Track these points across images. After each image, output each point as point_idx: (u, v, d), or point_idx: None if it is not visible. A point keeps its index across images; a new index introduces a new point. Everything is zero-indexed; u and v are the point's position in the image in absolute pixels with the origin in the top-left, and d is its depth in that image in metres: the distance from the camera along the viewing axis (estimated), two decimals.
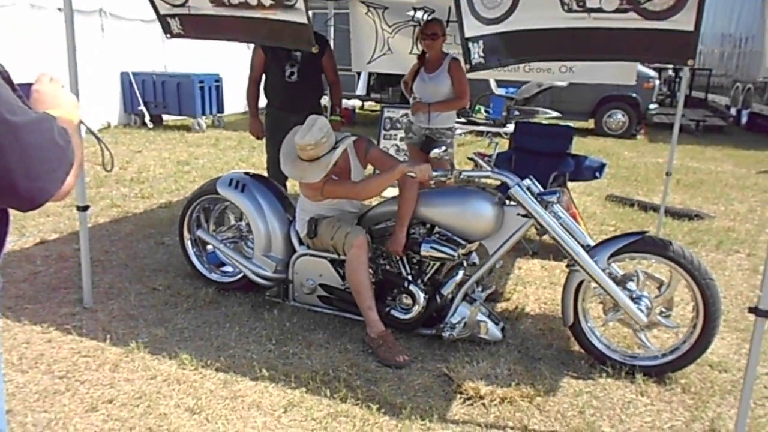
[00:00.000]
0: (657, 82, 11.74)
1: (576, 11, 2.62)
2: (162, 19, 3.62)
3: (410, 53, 4.88)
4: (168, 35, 3.67)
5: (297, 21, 3.14)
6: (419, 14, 5.39)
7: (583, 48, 2.72)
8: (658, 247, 2.87)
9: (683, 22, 2.51)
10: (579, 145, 7.74)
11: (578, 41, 2.68)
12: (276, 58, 4.31)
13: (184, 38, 3.62)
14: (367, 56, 5.84)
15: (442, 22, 4.58)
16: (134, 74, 10.24)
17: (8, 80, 1.04)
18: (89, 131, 1.43)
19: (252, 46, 4.44)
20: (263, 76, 4.47)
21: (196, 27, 3.53)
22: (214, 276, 3.84)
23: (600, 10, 2.58)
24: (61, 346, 3.05)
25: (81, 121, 1.25)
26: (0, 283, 1.19)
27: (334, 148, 3.11)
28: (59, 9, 8.70)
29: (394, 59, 5.74)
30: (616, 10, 2.55)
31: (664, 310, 2.97)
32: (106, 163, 1.51)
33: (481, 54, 2.70)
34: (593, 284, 2.96)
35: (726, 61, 15.59)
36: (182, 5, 3.47)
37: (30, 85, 1.20)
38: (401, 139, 6.71)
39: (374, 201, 3.59)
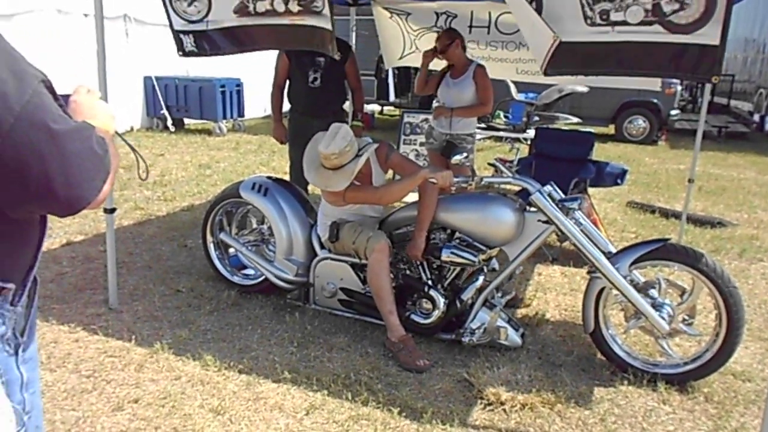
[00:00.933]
0: (678, 87, 11.63)
1: (599, 25, 2.61)
2: (175, 35, 3.64)
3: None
4: (180, 53, 3.69)
5: (322, 26, 3.22)
6: (442, 20, 5.42)
7: (606, 63, 2.71)
8: (681, 255, 2.86)
9: (709, 36, 2.48)
10: (599, 151, 7.71)
11: (602, 56, 2.67)
12: (300, 64, 4.36)
13: (198, 56, 3.63)
14: (397, 53, 5.89)
15: (449, 30, 4.63)
16: (157, 78, 10.39)
17: (50, 89, 1.07)
18: (124, 141, 1.48)
19: (277, 51, 4.49)
20: (287, 82, 4.52)
21: (210, 44, 3.55)
22: (236, 279, 3.89)
23: (624, 23, 2.57)
24: (88, 346, 3.11)
25: (116, 132, 1.28)
26: (37, 283, 1.23)
27: (358, 155, 3.14)
28: (85, 14, 8.89)
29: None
30: (641, 23, 2.54)
31: (686, 317, 2.96)
32: (142, 173, 1.56)
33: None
34: (614, 291, 2.95)
35: (749, 67, 15.39)
36: (200, 21, 3.50)
37: (68, 96, 1.23)
38: (421, 144, 6.73)
39: (395, 205, 3.62)
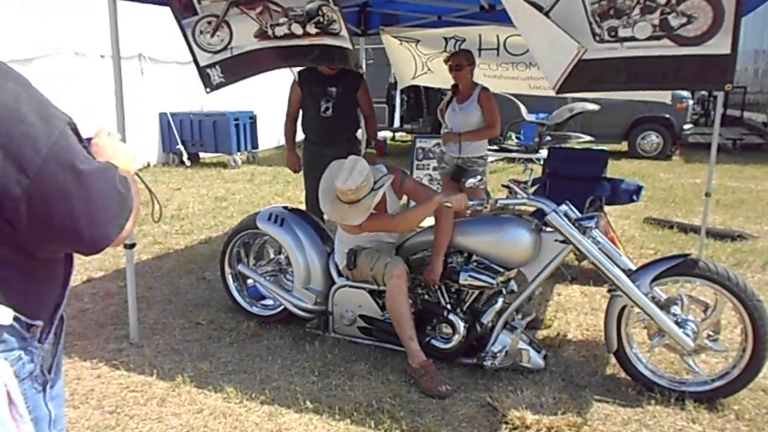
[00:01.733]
0: (690, 102, 11.60)
1: (608, 41, 2.63)
2: (202, 71, 3.73)
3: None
4: (208, 89, 3.77)
5: (343, 46, 3.40)
6: (451, 45, 5.48)
7: (617, 79, 2.72)
8: (702, 270, 2.83)
9: (719, 46, 2.50)
10: (613, 168, 7.67)
11: (612, 72, 2.69)
12: (311, 94, 4.43)
13: (225, 86, 3.72)
14: (410, 73, 5.98)
15: (468, 52, 4.65)
16: (172, 114, 10.57)
17: (75, 131, 1.11)
18: (142, 181, 1.52)
19: (289, 82, 4.57)
20: (300, 112, 4.58)
21: (236, 70, 3.68)
22: (255, 309, 3.90)
23: (633, 38, 2.60)
24: (110, 382, 3.12)
25: (136, 173, 1.32)
26: (63, 320, 1.25)
27: (374, 189, 3.12)
28: (101, 56, 9.10)
29: (435, 76, 5.87)
30: (650, 38, 2.56)
31: (711, 333, 2.91)
32: (155, 214, 1.60)
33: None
34: (636, 309, 2.92)
35: (761, 78, 15.32)
36: (224, 49, 3.62)
37: (89, 139, 1.27)
38: (434, 169, 6.76)
39: (411, 231, 3.63)
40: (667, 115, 11.13)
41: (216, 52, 3.65)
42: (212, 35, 3.61)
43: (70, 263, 1.23)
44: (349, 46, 3.41)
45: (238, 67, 3.68)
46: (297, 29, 3.47)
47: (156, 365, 3.28)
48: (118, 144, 1.30)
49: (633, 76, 2.69)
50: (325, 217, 4.53)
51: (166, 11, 3.63)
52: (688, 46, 2.54)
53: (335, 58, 3.56)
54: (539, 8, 2.74)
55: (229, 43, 3.61)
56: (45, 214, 1.02)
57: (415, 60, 5.85)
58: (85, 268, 4.87)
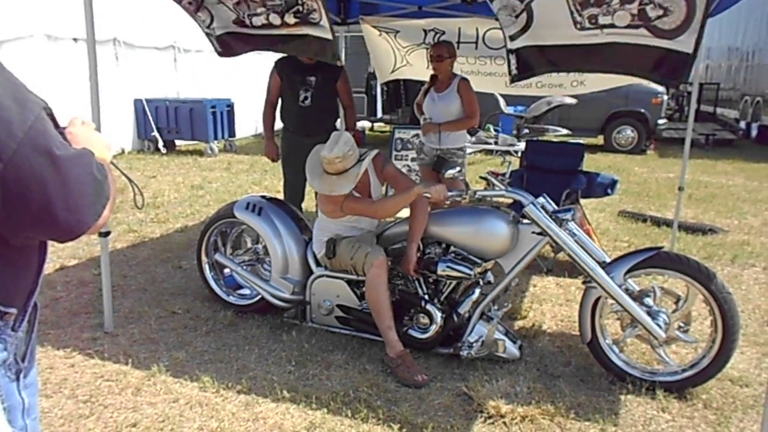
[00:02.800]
0: (665, 97, 11.78)
1: (589, 29, 2.68)
2: (207, 36, 3.84)
3: (427, 68, 4.98)
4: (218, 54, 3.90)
5: (322, 36, 3.38)
6: (430, 37, 5.47)
7: (595, 61, 2.79)
8: (674, 262, 2.88)
9: (684, 43, 2.57)
10: (589, 162, 7.77)
11: (591, 56, 2.75)
12: (290, 83, 4.39)
13: (225, 56, 3.79)
14: (389, 67, 5.96)
15: (450, 44, 4.65)
16: (147, 101, 10.42)
17: (51, 116, 1.09)
18: (120, 171, 1.50)
19: (268, 70, 4.53)
20: (279, 100, 4.55)
21: (226, 45, 3.70)
22: (232, 299, 3.88)
23: (612, 26, 2.65)
24: (84, 371, 3.08)
25: (112, 162, 1.30)
26: (37, 308, 1.23)
27: (360, 160, 3.18)
28: (74, 39, 8.92)
29: (414, 69, 5.86)
30: (628, 26, 2.62)
31: (682, 325, 2.97)
32: (138, 201, 1.58)
33: (516, 66, 2.83)
34: (610, 301, 2.97)
35: (734, 75, 15.60)
36: (209, 27, 3.65)
37: (63, 128, 1.24)
38: (412, 160, 6.77)
39: (389, 220, 3.63)
40: (643, 110, 11.29)
41: (206, 27, 3.66)
42: (196, 11, 3.61)
43: (44, 250, 1.21)
44: (328, 36, 3.40)
45: (226, 45, 3.68)
46: (275, 19, 3.44)
47: (131, 354, 3.25)
48: (92, 133, 1.28)
49: (609, 61, 2.77)
50: (303, 206, 4.54)
51: None
52: (662, 38, 2.60)
53: (312, 50, 3.55)
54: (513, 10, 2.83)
55: (210, 23, 3.60)
56: (20, 200, 1.00)
57: (394, 53, 5.84)
58: (58, 256, 4.80)
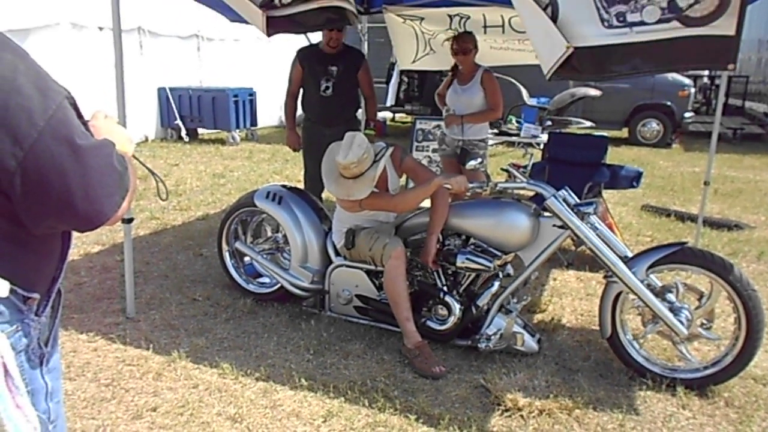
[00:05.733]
0: (692, 90, 11.55)
1: (617, 27, 2.61)
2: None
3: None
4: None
5: (348, 8, 3.59)
6: (456, 22, 5.41)
7: (627, 63, 2.71)
8: (698, 258, 2.84)
9: (724, 27, 2.50)
10: (613, 155, 7.66)
11: (618, 58, 2.67)
12: (312, 73, 4.39)
13: (271, 35, 3.64)
14: (410, 56, 5.90)
15: (473, 36, 4.61)
16: (171, 89, 10.50)
17: (74, 105, 1.09)
18: (142, 164, 1.51)
19: (290, 59, 4.52)
20: (301, 90, 4.55)
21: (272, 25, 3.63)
22: (251, 287, 3.91)
23: (642, 23, 2.57)
24: (107, 355, 3.14)
25: (134, 155, 1.30)
26: (61, 294, 1.25)
27: (375, 161, 3.13)
28: (100, 28, 9.01)
29: (438, 57, 5.78)
30: (659, 21, 2.55)
31: (704, 321, 2.93)
32: (162, 193, 1.59)
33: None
34: (631, 296, 2.93)
35: (764, 68, 15.23)
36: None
37: (86, 121, 1.25)
38: (434, 151, 6.74)
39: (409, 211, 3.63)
40: (669, 103, 11.10)
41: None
42: None
43: (68, 237, 1.22)
44: (353, 8, 3.58)
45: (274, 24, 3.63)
46: None
47: (152, 340, 3.29)
48: (115, 126, 1.29)
49: (641, 61, 2.68)
50: (323, 195, 4.55)
51: None
52: (695, 26, 2.53)
53: (341, 19, 3.65)
54: (537, 2, 2.74)
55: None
56: (40, 189, 1.01)
57: (418, 39, 5.78)
58: (82, 242, 4.87)
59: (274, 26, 3.56)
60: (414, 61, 5.97)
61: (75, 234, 1.21)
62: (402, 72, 11.72)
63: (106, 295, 3.90)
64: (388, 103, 11.95)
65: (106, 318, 3.56)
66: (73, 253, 4.62)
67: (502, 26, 5.37)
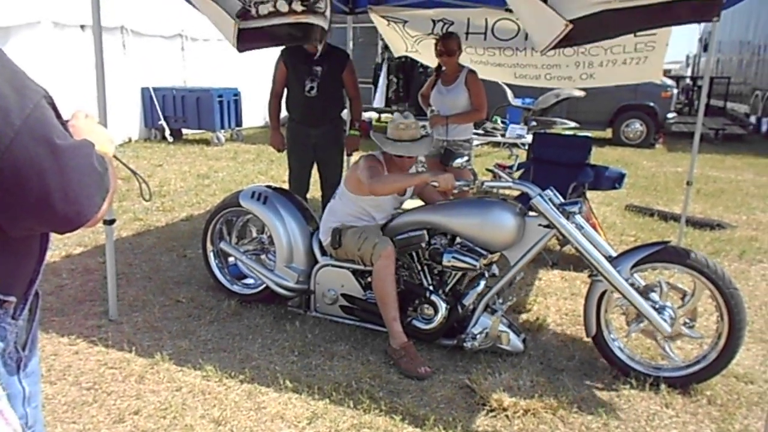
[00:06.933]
0: (675, 91, 11.67)
1: None
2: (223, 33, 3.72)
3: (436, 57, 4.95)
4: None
5: (321, 25, 3.49)
6: (438, 27, 5.42)
7: (613, 27, 2.76)
8: (681, 257, 2.86)
9: None
10: (597, 155, 7.70)
11: (609, 22, 2.72)
12: (296, 73, 4.37)
13: (242, 51, 3.66)
14: (401, 49, 5.93)
15: (458, 38, 4.62)
16: (155, 89, 10.41)
17: (52, 105, 1.07)
18: (124, 165, 1.49)
19: (274, 59, 4.50)
20: (285, 90, 4.52)
21: (244, 40, 3.60)
22: (236, 288, 3.89)
23: None
24: (88, 358, 3.10)
25: (115, 156, 1.28)
26: (39, 296, 1.22)
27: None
28: (82, 27, 8.91)
29: (423, 57, 5.85)
30: None
31: (687, 320, 2.95)
32: (145, 194, 1.57)
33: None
34: (616, 295, 2.95)
35: (745, 69, 15.46)
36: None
37: (66, 121, 1.23)
38: None
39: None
40: (652, 104, 11.20)
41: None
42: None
43: (47, 238, 1.20)
44: (326, 26, 3.49)
45: (247, 38, 3.61)
46: (282, 6, 3.42)
47: (135, 342, 3.25)
48: (95, 126, 1.26)
49: (628, 23, 2.74)
50: (308, 195, 4.52)
51: None
52: None
53: (305, 37, 3.61)
54: None
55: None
56: (17, 189, 0.98)
57: (404, 41, 5.80)
58: (63, 243, 4.81)
59: (245, 40, 3.56)
60: (407, 51, 5.99)
61: (56, 236, 1.18)
62: (389, 73, 11.73)
63: (87, 297, 3.85)
64: (377, 105, 11.95)
65: (87, 320, 3.52)
66: (55, 255, 4.56)
67: (485, 32, 5.38)
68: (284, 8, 3.42)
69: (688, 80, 19.10)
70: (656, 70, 4.94)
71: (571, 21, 2.71)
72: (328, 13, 3.39)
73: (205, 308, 3.73)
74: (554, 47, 2.93)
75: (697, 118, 4.77)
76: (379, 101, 11.78)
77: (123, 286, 4.00)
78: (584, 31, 2.78)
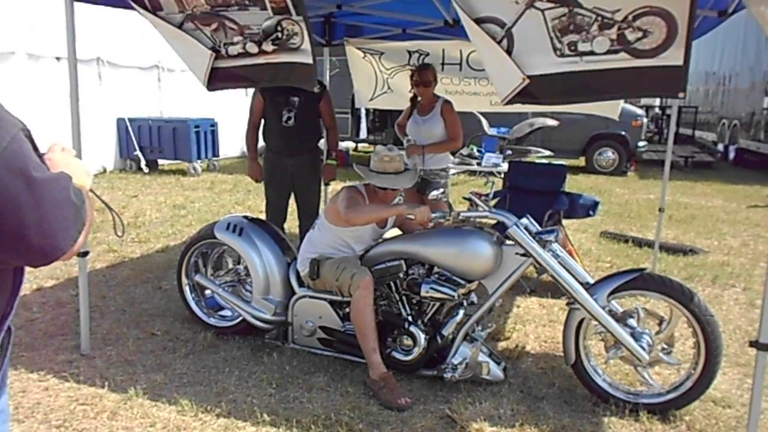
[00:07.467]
0: (645, 120, 11.95)
1: (568, 56, 2.71)
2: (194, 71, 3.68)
3: (409, 92, 5.02)
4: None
5: (302, 62, 3.30)
6: (414, 58, 5.52)
7: (577, 91, 2.80)
8: (658, 284, 2.89)
9: (672, 57, 2.61)
10: (571, 183, 7.83)
11: (572, 84, 2.77)
12: (273, 103, 4.38)
13: (211, 90, 3.64)
14: (368, 94, 5.99)
15: (434, 69, 4.69)
16: (130, 120, 10.35)
17: (30, 138, 1.06)
18: (99, 199, 1.48)
19: (251, 90, 4.52)
20: (262, 121, 4.53)
21: (214, 80, 3.58)
22: (212, 320, 3.82)
23: (591, 53, 2.68)
24: (59, 394, 3.00)
25: (91, 190, 1.27)
26: (11, 332, 1.19)
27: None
28: (57, 58, 8.86)
29: (394, 97, 5.89)
30: (608, 52, 2.65)
31: (665, 346, 2.98)
32: (117, 228, 1.55)
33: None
34: (594, 322, 2.96)
35: (711, 99, 15.92)
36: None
37: (42, 154, 1.22)
38: None
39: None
40: (623, 132, 11.45)
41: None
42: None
43: (21, 272, 1.17)
44: (309, 60, 3.30)
45: (217, 78, 3.58)
46: (252, 48, 3.38)
47: (107, 377, 3.17)
48: (72, 159, 1.25)
49: (592, 89, 2.79)
50: (285, 226, 4.50)
51: (126, 14, 3.54)
52: (643, 58, 2.64)
53: (296, 78, 3.43)
54: (492, 37, 2.87)
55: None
56: None
57: (377, 76, 5.87)
58: (35, 276, 4.71)
59: (216, 80, 3.53)
60: (372, 99, 6.06)
61: (28, 268, 1.16)
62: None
63: (59, 331, 3.76)
64: (363, 136, 12.08)
65: (58, 355, 3.43)
66: (26, 288, 4.45)
67: (460, 63, 5.50)
68: (254, 49, 3.37)
69: (657, 109, 19.60)
70: (614, 109, 5.59)
71: (529, 77, 2.80)
72: (306, 46, 3.25)
73: (181, 341, 3.66)
74: (519, 102, 3.00)
75: (667, 146, 4.89)
76: (363, 133, 11.91)
77: (96, 320, 3.91)
78: (546, 91, 2.86)
